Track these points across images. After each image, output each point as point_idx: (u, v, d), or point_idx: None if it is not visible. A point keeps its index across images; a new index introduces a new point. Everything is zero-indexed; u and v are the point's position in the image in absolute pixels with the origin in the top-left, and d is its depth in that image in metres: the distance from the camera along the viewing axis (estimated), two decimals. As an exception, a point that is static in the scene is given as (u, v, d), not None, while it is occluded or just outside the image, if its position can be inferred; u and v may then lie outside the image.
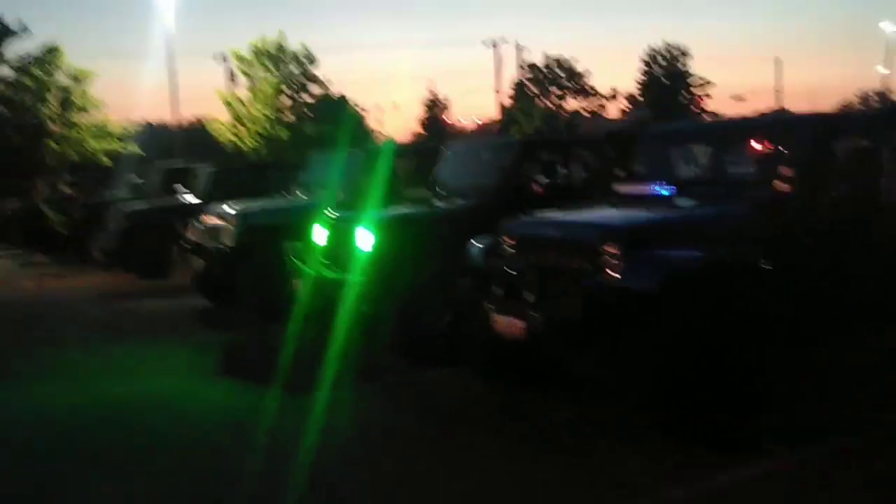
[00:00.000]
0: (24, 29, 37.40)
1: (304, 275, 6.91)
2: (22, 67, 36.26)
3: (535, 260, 4.77)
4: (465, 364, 5.49)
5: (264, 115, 30.81)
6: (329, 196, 8.16)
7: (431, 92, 51.69)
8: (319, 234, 7.03)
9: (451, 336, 5.66)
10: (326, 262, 6.75)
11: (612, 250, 4.30)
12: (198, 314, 8.97)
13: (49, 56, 34.49)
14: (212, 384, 5.92)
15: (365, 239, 6.31)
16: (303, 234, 7.25)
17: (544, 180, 6.74)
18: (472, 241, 5.39)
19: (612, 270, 4.27)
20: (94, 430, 4.93)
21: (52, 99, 35.10)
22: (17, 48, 35.43)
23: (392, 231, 6.36)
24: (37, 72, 34.59)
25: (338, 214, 7.11)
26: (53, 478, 4.22)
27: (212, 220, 9.08)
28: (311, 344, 6.13)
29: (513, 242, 5.04)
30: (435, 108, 51.37)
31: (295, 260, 7.22)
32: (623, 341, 4.16)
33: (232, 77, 33.67)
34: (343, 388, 5.39)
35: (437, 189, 7.16)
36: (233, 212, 8.72)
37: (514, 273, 4.83)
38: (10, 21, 34.57)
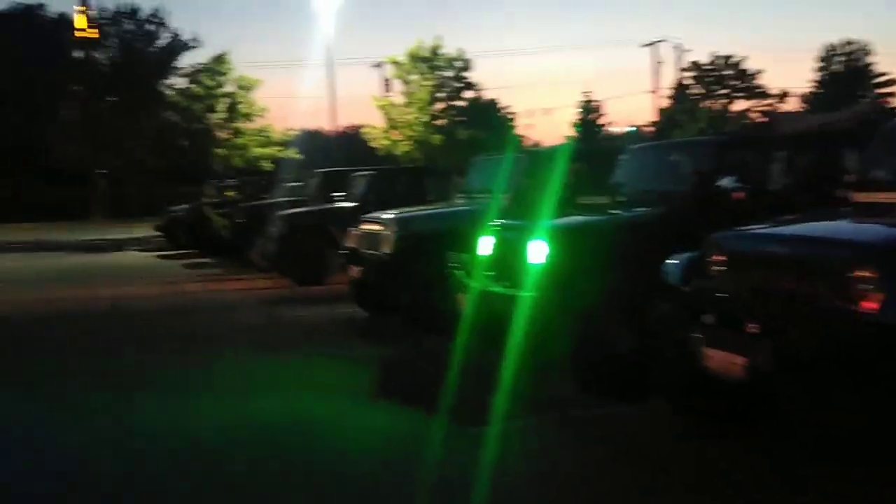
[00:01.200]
0: (197, 41, 39.68)
1: (468, 288, 6.34)
2: (193, 77, 38.49)
3: (758, 283, 3.92)
4: (657, 398, 4.70)
5: (418, 119, 30.95)
6: (494, 202, 7.57)
7: (585, 95, 50.49)
8: (485, 244, 6.43)
9: (638, 365, 4.89)
10: (493, 274, 6.14)
11: (868, 274, 3.40)
12: (354, 325, 8.63)
13: (218, 65, 36.38)
14: (368, 407, 5.42)
15: (538, 250, 5.64)
16: (466, 243, 6.68)
17: (746, 185, 5.80)
18: (670, 257, 4.60)
19: (868, 299, 3.37)
20: (238, 454, 4.52)
21: (220, 107, 36.97)
22: (190, 59, 37.46)
23: (568, 242, 5.65)
24: (207, 81, 36.54)
25: (505, 222, 6.49)
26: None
27: (369, 227, 8.73)
28: (477, 366, 5.52)
29: (725, 260, 4.21)
30: (589, 111, 50.07)
31: (458, 271, 6.67)
32: (884, 386, 3.26)
33: (387, 84, 34.09)
34: (516, 420, 4.75)
35: (617, 195, 6.39)
36: (391, 218, 8.31)
37: (729, 298, 4.00)
38: (186, 35, 36.55)
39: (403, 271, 7.67)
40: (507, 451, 4.29)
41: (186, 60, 40.44)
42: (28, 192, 37.95)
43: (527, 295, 5.47)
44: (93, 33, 37.68)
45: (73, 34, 38.94)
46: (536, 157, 8.76)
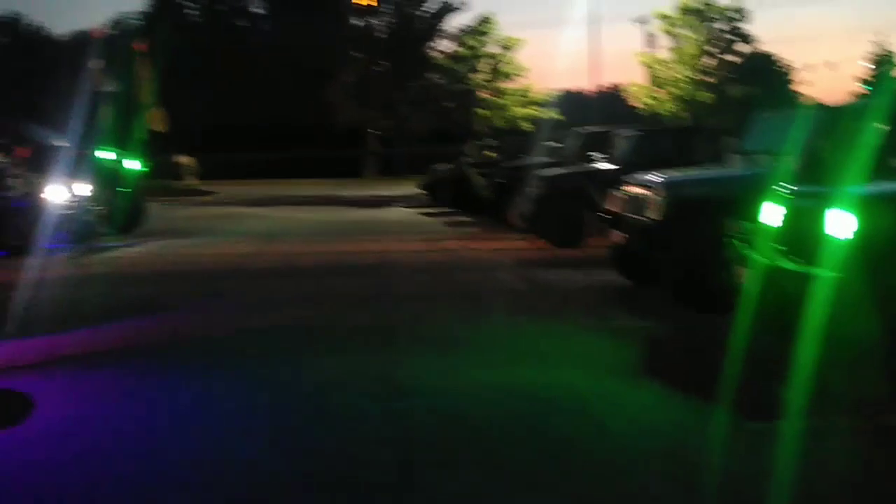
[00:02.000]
0: (464, 4, 40.47)
1: (750, 261, 5.62)
2: (459, 39, 39.44)
3: None
4: None
5: (686, 77, 29.16)
6: (781, 166, 6.66)
7: (879, 45, 44.60)
8: (772, 213, 5.65)
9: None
10: (783, 248, 5.37)
11: None
12: (615, 293, 8.17)
13: (483, 26, 36.92)
14: (634, 387, 4.98)
15: (842, 223, 4.80)
16: (747, 210, 5.93)
17: None
18: None
19: None
20: (496, 424, 4.31)
21: (483, 67, 37.60)
22: (457, 22, 38.32)
23: (883, 214, 4.76)
24: (471, 42, 37.24)
25: (799, 189, 5.65)
26: (439, 479, 3.64)
27: (634, 190, 8.16)
28: (761, 352, 4.86)
29: None
30: (884, 64, 44.22)
31: (738, 242, 5.95)
32: None
33: (651, 39, 32.46)
34: (814, 419, 4.07)
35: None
36: (660, 181, 7.68)
37: None
38: (454, -2, 37.23)
39: (672, 239, 7.05)
40: (805, 454, 3.66)
41: (453, 23, 41.56)
42: (310, 150, 41.51)
43: (827, 275, 4.69)
44: (371, 0, 39.93)
45: (352, 3, 41.56)
46: (833, 114, 7.62)
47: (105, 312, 7.44)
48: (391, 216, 19.10)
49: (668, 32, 29.90)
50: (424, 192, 22.51)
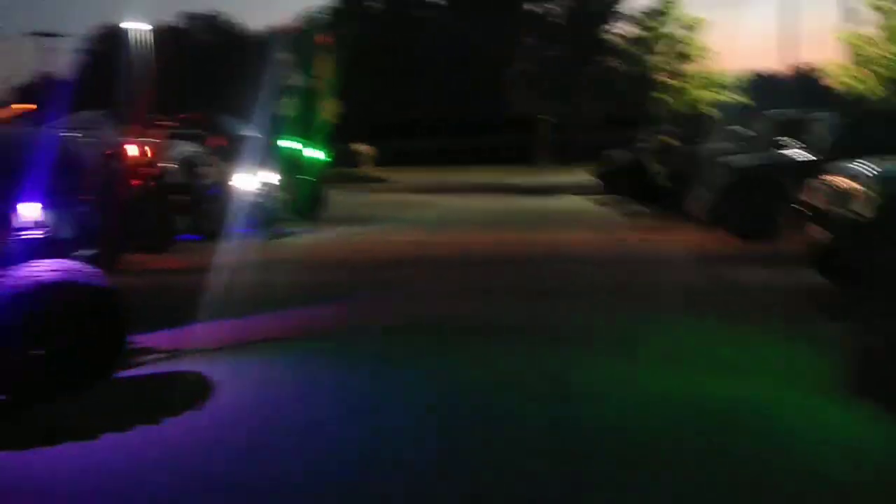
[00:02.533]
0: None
1: None
2: (639, 20, 38.03)
3: None
4: None
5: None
6: None
7: None
8: None
9: None
10: None
11: None
12: (814, 296, 7.39)
13: (666, 6, 35.36)
14: (836, 404, 4.39)
15: None
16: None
17: None
18: None
19: None
20: (674, 444, 3.91)
21: (663, 49, 36.04)
22: (636, 2, 36.97)
23: None
24: (651, 23, 35.79)
25: None
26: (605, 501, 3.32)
27: (839, 182, 7.33)
28: None
29: None
30: None
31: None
32: None
33: (852, 14, 29.64)
34: None
35: None
36: (873, 173, 6.83)
37: None
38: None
39: (888, 240, 6.23)
40: None
41: (631, 4, 40.23)
42: (483, 138, 41.73)
43: None
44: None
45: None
46: None
47: (283, 298, 7.67)
48: (562, 205, 18.69)
49: (875, 6, 27.07)
50: (598, 180, 21.85)
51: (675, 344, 5.83)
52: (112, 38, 52.01)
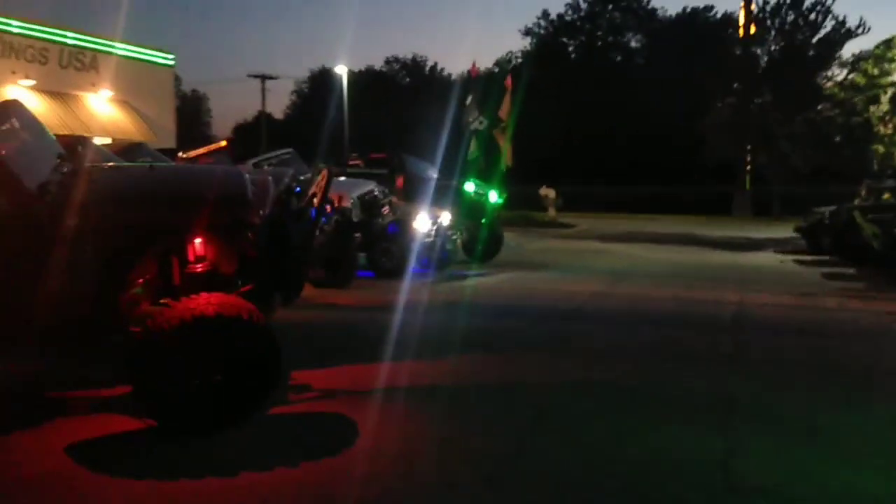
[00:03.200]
0: (864, 27, 36.11)
1: None
2: (855, 66, 35.16)
3: None
4: None
5: None
6: None
7: None
8: None
9: None
10: None
11: None
12: None
13: (885, 52, 32.44)
14: None
15: None
16: None
17: None
18: None
19: None
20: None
21: (885, 98, 33.00)
22: (854, 47, 34.36)
23: None
24: (870, 69, 32.96)
25: None
26: None
27: None
28: None
29: None
30: None
31: None
32: None
33: None
34: None
35: None
36: None
37: None
38: (852, 21, 33.57)
39: None
40: None
41: (849, 49, 37.37)
42: (678, 185, 40.17)
43: None
44: (755, 30, 37.63)
45: (738, 32, 39.53)
46: None
47: (444, 343, 7.53)
48: (759, 261, 17.35)
49: None
50: (801, 235, 20.17)
51: (878, 437, 5.01)
52: (320, 81, 55.76)
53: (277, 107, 61.64)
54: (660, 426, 5.11)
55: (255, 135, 46.54)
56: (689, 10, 52.82)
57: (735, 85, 38.27)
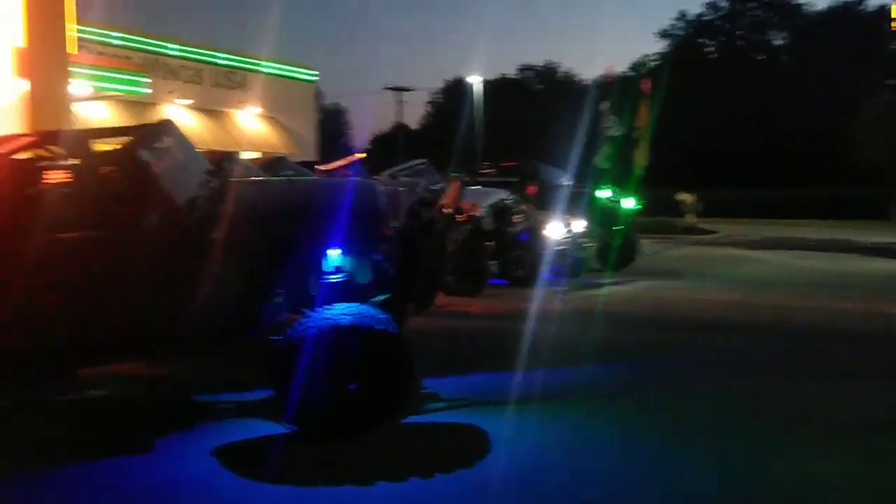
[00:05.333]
0: None
1: None
2: None
3: None
4: None
5: None
6: None
7: None
8: None
9: None
10: None
11: None
12: None
13: None
14: None
15: None
16: None
17: None
18: None
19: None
20: None
21: None
22: None
23: None
24: None
25: None
26: None
27: None
28: None
29: None
30: None
31: None
32: None
33: None
34: None
35: None
36: None
37: None
38: None
39: None
40: None
41: None
42: (826, 188, 37.85)
43: None
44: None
45: (891, 25, 36.88)
46: None
47: (578, 353, 7.42)
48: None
49: None
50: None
51: None
52: (454, 91, 56.50)
53: (413, 117, 62.90)
54: (806, 446, 4.80)
55: (391, 145, 47.74)
56: (839, 3, 49.79)
57: (889, 81, 35.66)
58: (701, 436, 5.06)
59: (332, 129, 61.10)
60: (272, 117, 25.12)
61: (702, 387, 6.32)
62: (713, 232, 26.78)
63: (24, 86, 10.46)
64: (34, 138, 5.73)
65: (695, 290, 12.27)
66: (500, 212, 12.18)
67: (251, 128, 24.32)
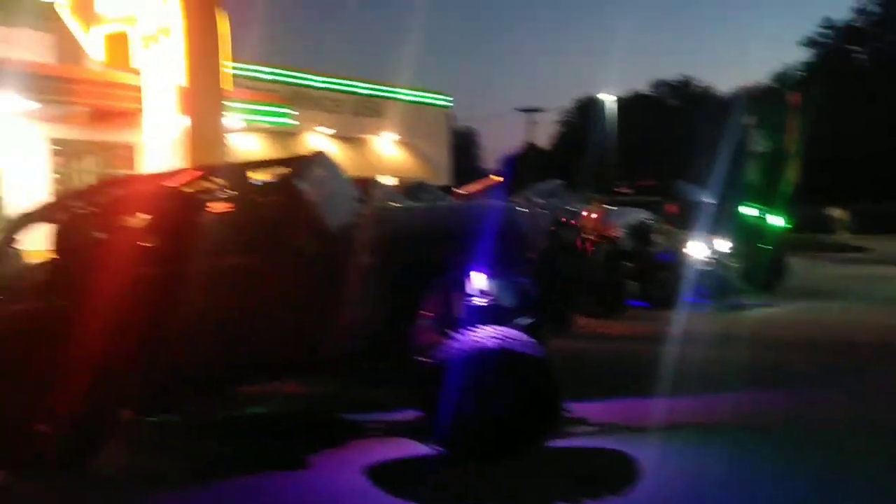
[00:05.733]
0: None
1: None
2: None
3: None
4: None
5: None
6: None
7: None
8: None
9: None
10: None
11: None
12: None
13: None
14: None
15: None
16: None
17: None
18: None
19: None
20: None
21: None
22: None
23: None
24: None
25: None
26: None
27: None
28: None
29: None
30: None
31: None
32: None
33: None
34: None
35: None
36: None
37: None
38: None
39: None
40: None
41: None
42: None
43: None
44: None
45: None
46: None
47: (727, 378, 7.12)
48: None
49: None
50: None
51: None
52: (585, 110, 56.02)
53: (543, 137, 62.80)
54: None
55: (522, 166, 47.79)
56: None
57: None
58: (868, 475, 4.73)
59: (464, 151, 61.87)
60: (407, 142, 25.77)
61: (867, 420, 5.91)
62: (867, 249, 25.04)
63: (186, 122, 11.28)
64: (199, 171, 6.16)
65: (854, 312, 11.51)
66: (640, 232, 11.94)
67: (387, 153, 25.04)
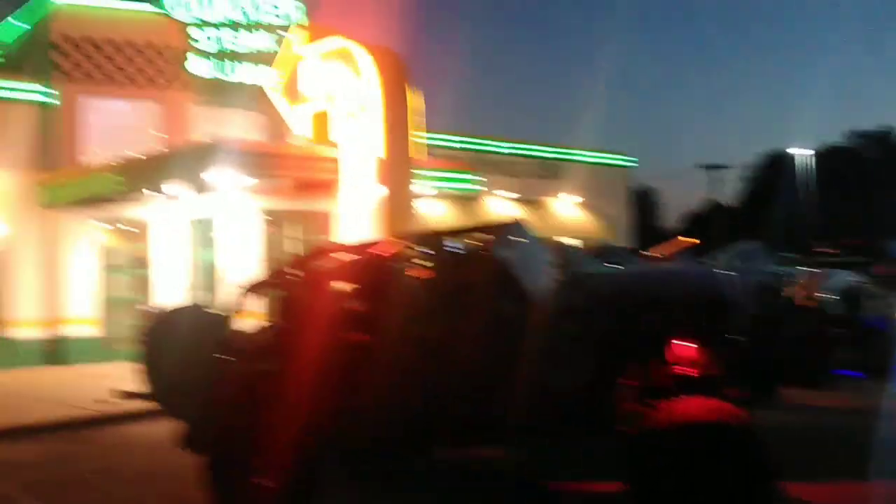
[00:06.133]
0: None
1: None
2: None
3: None
4: None
5: None
6: None
7: None
8: None
9: None
10: None
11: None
12: None
13: None
14: None
15: None
16: None
17: None
18: None
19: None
20: None
21: None
22: None
23: None
24: None
25: None
26: None
27: None
28: None
29: None
30: None
31: None
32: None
33: None
34: None
35: None
36: None
37: None
38: None
39: None
40: None
41: None
42: None
43: None
44: None
45: None
46: None
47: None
48: None
49: None
50: None
51: None
52: (775, 165, 53.26)
53: (726, 194, 60.19)
54: None
55: (704, 225, 45.97)
56: None
57: None
58: None
59: (642, 210, 60.46)
60: (587, 203, 25.61)
61: None
62: None
63: (383, 191, 11.94)
64: (403, 240, 6.46)
65: None
66: (851, 295, 11.08)
67: (567, 214, 24.96)
